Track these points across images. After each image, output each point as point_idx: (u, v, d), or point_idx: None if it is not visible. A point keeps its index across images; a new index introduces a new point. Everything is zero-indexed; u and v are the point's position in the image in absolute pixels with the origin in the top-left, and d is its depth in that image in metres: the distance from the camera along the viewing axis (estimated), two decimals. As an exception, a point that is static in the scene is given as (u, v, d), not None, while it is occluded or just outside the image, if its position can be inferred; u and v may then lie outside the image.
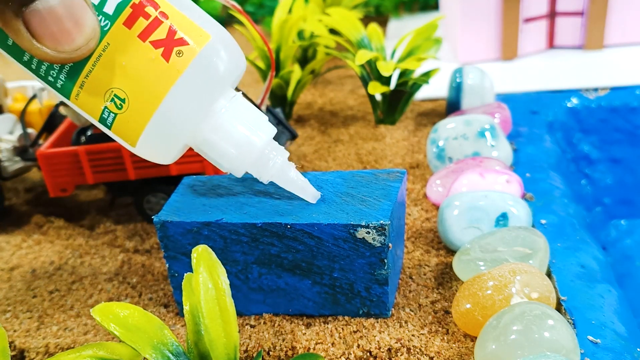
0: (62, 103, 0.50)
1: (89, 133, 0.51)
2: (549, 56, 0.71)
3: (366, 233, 0.34)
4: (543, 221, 0.44)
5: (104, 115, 0.30)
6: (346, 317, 0.37)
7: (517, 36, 0.70)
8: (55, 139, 0.51)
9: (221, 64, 0.30)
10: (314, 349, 0.35)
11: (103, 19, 0.29)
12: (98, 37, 0.28)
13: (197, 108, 0.31)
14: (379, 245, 0.34)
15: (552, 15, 0.71)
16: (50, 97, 0.62)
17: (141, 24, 0.29)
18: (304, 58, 0.73)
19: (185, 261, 0.37)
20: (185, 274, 0.29)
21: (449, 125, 0.51)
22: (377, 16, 0.95)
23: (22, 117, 0.55)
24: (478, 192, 0.43)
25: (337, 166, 0.56)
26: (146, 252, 0.47)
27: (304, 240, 0.35)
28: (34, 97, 0.59)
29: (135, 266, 0.45)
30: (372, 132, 0.62)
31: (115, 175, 0.48)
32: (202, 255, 0.29)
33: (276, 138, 0.52)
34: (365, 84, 0.61)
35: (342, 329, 0.36)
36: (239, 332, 0.37)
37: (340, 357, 0.34)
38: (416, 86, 0.61)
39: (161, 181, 0.49)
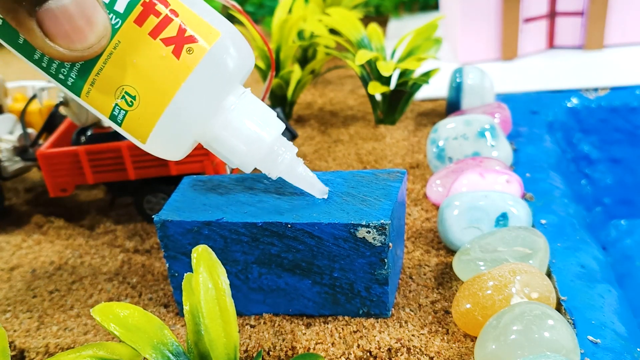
0: (62, 103, 0.50)
1: (89, 133, 0.51)
2: (549, 56, 0.71)
3: (366, 232, 0.34)
4: (543, 221, 0.44)
5: (114, 112, 0.30)
6: (346, 317, 0.37)
7: (517, 36, 0.70)
8: (55, 139, 0.51)
9: (231, 61, 0.31)
10: (314, 349, 0.35)
11: (114, 17, 0.29)
12: (109, 35, 0.29)
13: (207, 105, 0.31)
14: (379, 244, 0.34)
15: (552, 15, 0.71)
16: (50, 97, 0.62)
17: (152, 21, 0.29)
18: (304, 58, 0.73)
19: (185, 261, 0.37)
20: (185, 274, 0.29)
21: (449, 125, 0.51)
22: (377, 16, 0.95)
23: (22, 117, 0.55)
24: (478, 192, 0.43)
25: (337, 166, 0.56)
26: (146, 252, 0.47)
27: (304, 240, 0.35)
28: (34, 97, 0.59)
29: (135, 266, 0.45)
30: (372, 132, 0.62)
31: (115, 175, 0.48)
32: (202, 255, 0.29)
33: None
34: (365, 84, 0.61)
35: (342, 329, 0.36)
36: (239, 332, 0.37)
37: (340, 357, 0.34)
38: (416, 86, 0.61)
39: (161, 181, 0.49)
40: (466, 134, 0.50)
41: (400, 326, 0.36)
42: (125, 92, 0.30)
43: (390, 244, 0.34)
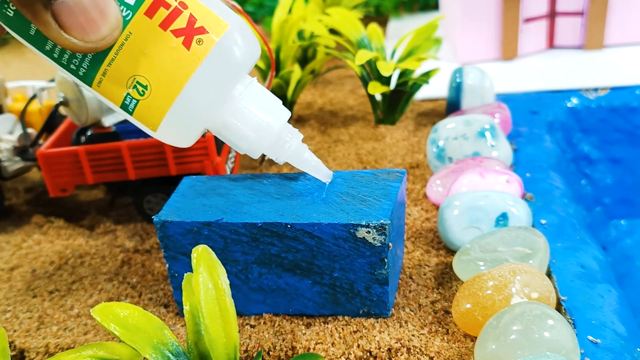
0: (62, 103, 0.50)
1: (89, 133, 0.51)
2: (549, 56, 0.71)
3: (366, 232, 0.34)
4: (543, 221, 0.44)
5: (126, 101, 0.31)
6: (346, 317, 0.37)
7: (517, 36, 0.70)
8: (55, 139, 0.51)
9: (239, 51, 0.32)
10: (314, 349, 0.35)
11: (125, 9, 0.30)
12: (121, 27, 0.30)
13: (217, 94, 0.32)
14: (379, 244, 0.34)
15: (552, 15, 0.71)
16: (50, 97, 0.62)
17: (162, 13, 0.30)
18: (304, 58, 0.73)
19: (185, 261, 0.37)
20: (185, 274, 0.29)
21: (449, 125, 0.51)
22: (377, 16, 0.95)
23: (22, 117, 0.55)
24: (478, 192, 0.43)
25: (337, 166, 0.56)
26: (146, 252, 0.47)
27: (304, 240, 0.35)
28: (34, 97, 0.59)
29: (135, 266, 0.45)
30: (372, 132, 0.62)
31: (115, 175, 0.48)
32: (202, 255, 0.29)
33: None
34: (365, 84, 0.61)
35: (342, 329, 0.36)
36: (239, 332, 0.37)
37: (340, 357, 0.34)
38: (416, 86, 0.61)
39: (161, 181, 0.49)
40: (466, 134, 0.50)
41: (400, 326, 0.36)
42: (137, 82, 0.31)
43: (390, 244, 0.34)
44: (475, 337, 0.35)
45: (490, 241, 0.39)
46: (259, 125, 0.33)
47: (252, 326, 0.37)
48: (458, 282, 0.40)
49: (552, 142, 0.57)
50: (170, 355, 0.28)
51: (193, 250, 0.29)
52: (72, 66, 0.31)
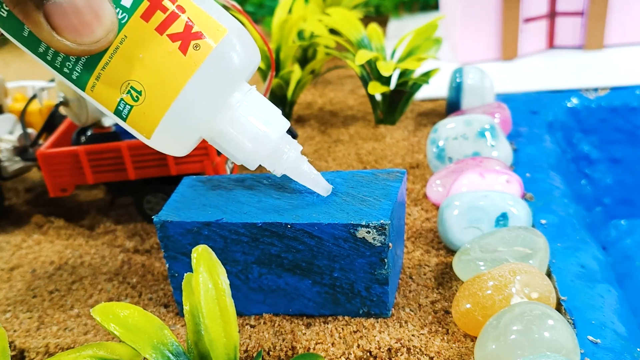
0: (62, 103, 0.50)
1: (89, 133, 0.51)
2: (549, 56, 0.71)
3: (366, 233, 0.34)
4: (543, 221, 0.44)
5: (119, 107, 0.30)
6: (346, 317, 0.37)
7: (517, 36, 0.70)
8: (55, 139, 0.51)
9: (237, 57, 0.31)
10: (314, 349, 0.35)
11: (121, 11, 0.29)
12: (116, 30, 0.29)
13: (213, 101, 0.31)
14: (379, 244, 0.34)
15: (552, 15, 0.71)
16: (50, 97, 0.62)
17: (158, 17, 0.29)
18: (304, 58, 0.73)
19: (185, 261, 0.37)
20: (185, 274, 0.29)
21: (449, 125, 0.51)
22: (377, 16, 0.95)
23: (22, 117, 0.55)
24: (478, 192, 0.43)
25: (337, 166, 0.56)
26: (146, 252, 0.47)
27: (304, 240, 0.35)
28: (34, 97, 0.59)
29: (135, 266, 0.45)
30: (372, 132, 0.62)
31: (115, 175, 0.48)
32: (202, 255, 0.29)
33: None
34: (365, 84, 0.61)
35: (342, 329, 0.36)
36: (239, 332, 0.37)
37: (340, 357, 0.34)
38: (416, 86, 0.61)
39: (161, 181, 0.49)
40: (466, 134, 0.50)
41: (400, 326, 0.36)
42: (131, 87, 0.30)
43: (390, 244, 0.34)
44: (475, 337, 0.35)
45: (490, 241, 0.39)
46: (256, 135, 0.32)
47: (252, 326, 0.37)
48: (458, 282, 0.40)
49: (552, 142, 0.57)
50: (170, 355, 0.28)
51: (193, 250, 0.29)
52: (65, 69, 0.30)
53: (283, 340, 0.36)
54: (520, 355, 0.30)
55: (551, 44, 0.73)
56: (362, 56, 0.57)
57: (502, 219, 0.41)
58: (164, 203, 0.44)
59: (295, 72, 0.63)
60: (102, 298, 0.42)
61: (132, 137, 0.49)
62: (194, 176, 0.40)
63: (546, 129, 0.60)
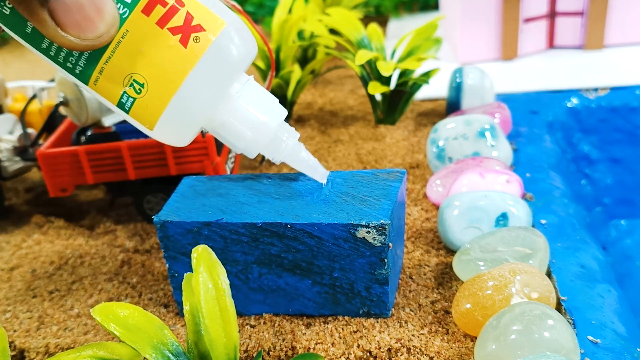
0: (62, 103, 0.50)
1: (89, 133, 0.51)
2: (549, 56, 0.71)
3: (366, 233, 0.34)
4: (543, 221, 0.44)
5: (122, 100, 0.31)
6: (346, 317, 0.37)
7: (517, 36, 0.70)
8: (55, 139, 0.51)
9: (235, 49, 0.32)
10: (314, 349, 0.35)
11: (122, 6, 0.30)
12: (118, 25, 0.30)
13: (214, 92, 0.32)
14: (379, 244, 0.34)
15: (552, 15, 0.71)
16: (50, 97, 0.62)
17: (159, 11, 0.30)
18: (304, 58, 0.73)
19: (185, 261, 0.37)
20: (185, 274, 0.29)
21: (449, 125, 0.51)
22: (377, 16, 0.95)
23: (22, 117, 0.55)
24: (478, 192, 0.43)
25: (337, 166, 0.56)
26: (146, 252, 0.47)
27: (304, 240, 0.35)
28: (34, 97, 0.59)
29: (135, 266, 0.45)
30: (372, 132, 0.62)
31: (115, 175, 0.48)
32: (202, 255, 0.29)
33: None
34: (365, 84, 0.61)
35: (342, 329, 0.36)
36: (239, 332, 0.37)
37: (340, 357, 0.34)
38: (416, 86, 0.61)
39: (161, 181, 0.49)
40: (466, 134, 0.50)
41: (400, 326, 0.36)
42: (134, 80, 0.31)
43: (390, 244, 0.34)
44: (475, 337, 0.35)
45: (490, 241, 0.39)
46: (256, 123, 0.33)
47: (252, 326, 0.37)
48: (458, 282, 0.40)
49: (552, 142, 0.57)
50: (170, 355, 0.28)
51: (193, 250, 0.29)
52: (68, 64, 0.30)
53: (283, 340, 0.36)
54: (520, 355, 0.30)
55: (551, 44, 0.73)
56: (362, 56, 0.57)
57: (502, 219, 0.41)
58: (164, 203, 0.44)
59: (295, 72, 0.63)
60: (102, 298, 0.42)
61: (132, 137, 0.50)
62: (194, 176, 0.40)
63: (546, 129, 0.60)
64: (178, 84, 0.30)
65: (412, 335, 0.35)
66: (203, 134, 0.46)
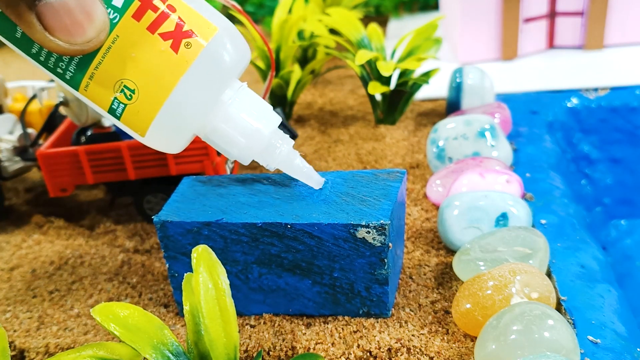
0: (62, 103, 0.50)
1: (89, 133, 0.51)
2: (549, 56, 0.71)
3: (366, 233, 0.34)
4: (543, 221, 0.44)
5: (113, 105, 0.31)
6: (346, 317, 0.37)
7: (517, 36, 0.70)
8: (55, 139, 0.51)
9: (228, 55, 0.31)
10: (314, 349, 0.35)
11: (112, 11, 0.29)
12: (108, 29, 0.29)
13: (206, 98, 0.31)
14: (379, 244, 0.34)
15: (552, 15, 0.71)
16: (50, 97, 0.62)
17: (150, 16, 0.30)
18: (304, 58, 0.73)
19: (185, 261, 0.37)
20: (185, 274, 0.29)
21: (449, 125, 0.51)
22: (377, 16, 0.95)
23: (22, 117, 0.55)
24: (478, 192, 0.43)
25: (337, 166, 0.56)
26: (146, 252, 0.47)
27: (304, 240, 0.35)
28: (34, 97, 0.59)
29: (135, 266, 0.45)
30: (372, 132, 0.62)
31: (115, 175, 0.48)
32: (202, 255, 0.29)
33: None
34: (365, 84, 0.61)
35: (342, 329, 0.36)
36: (239, 332, 0.37)
37: (340, 357, 0.34)
38: (416, 86, 0.61)
39: (161, 181, 0.49)
40: (466, 134, 0.50)
41: (400, 326, 0.36)
42: (124, 86, 0.30)
43: (390, 244, 0.34)
44: (475, 337, 0.35)
45: (490, 241, 0.39)
46: (249, 130, 0.33)
47: (252, 326, 0.37)
48: (458, 282, 0.40)
49: (552, 142, 0.57)
50: (170, 355, 0.28)
51: (193, 250, 0.29)
52: (58, 70, 0.30)
53: (283, 340, 0.36)
54: (520, 355, 0.30)
55: (551, 44, 0.73)
56: (362, 56, 0.57)
57: (502, 219, 0.41)
58: (164, 203, 0.44)
59: (295, 72, 0.63)
60: (102, 298, 0.42)
61: (132, 137, 0.50)
62: (194, 176, 0.40)
63: (546, 129, 0.60)
64: (169, 90, 0.30)
65: (412, 335, 0.35)
66: None
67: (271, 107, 0.34)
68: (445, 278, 0.40)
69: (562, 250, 0.41)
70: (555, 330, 0.30)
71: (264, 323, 0.37)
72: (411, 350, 0.34)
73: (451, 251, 0.43)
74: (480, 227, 0.41)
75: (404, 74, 0.60)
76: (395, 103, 0.61)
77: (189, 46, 0.30)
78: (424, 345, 0.34)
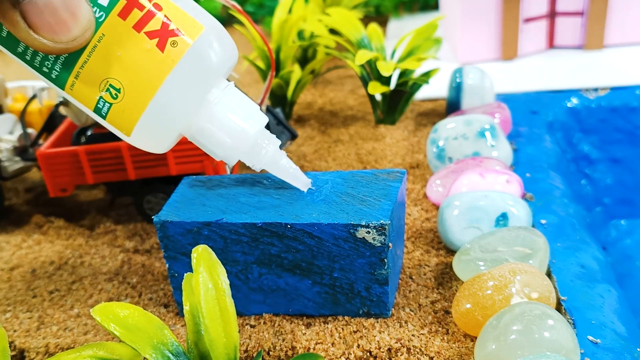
0: (62, 103, 0.50)
1: (89, 133, 0.51)
2: (549, 56, 0.71)
3: (366, 233, 0.34)
4: (543, 221, 0.44)
5: (99, 105, 0.31)
6: (346, 317, 0.37)
7: (517, 36, 0.70)
8: (55, 139, 0.51)
9: (214, 54, 0.31)
10: (314, 349, 0.35)
11: (98, 10, 0.29)
12: (93, 28, 0.29)
13: (192, 97, 0.31)
14: (379, 244, 0.34)
15: (552, 15, 0.71)
16: (50, 97, 0.62)
17: (135, 15, 0.29)
18: (304, 58, 0.73)
19: (185, 261, 0.37)
20: (185, 274, 0.29)
21: (449, 125, 0.51)
22: (377, 16, 0.95)
23: (22, 117, 0.55)
24: (478, 192, 0.43)
25: (337, 166, 0.56)
26: (146, 252, 0.47)
27: (304, 240, 0.35)
28: (34, 97, 0.59)
29: (135, 266, 0.45)
30: (372, 132, 0.62)
31: (115, 175, 0.48)
32: (202, 255, 0.29)
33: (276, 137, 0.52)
34: (365, 84, 0.61)
35: (342, 329, 0.36)
36: (239, 332, 0.37)
37: (340, 357, 0.34)
38: (416, 86, 0.61)
39: (161, 181, 0.49)
40: (466, 134, 0.50)
41: (400, 326, 0.36)
42: (110, 85, 0.30)
43: (390, 244, 0.34)
44: (475, 337, 0.35)
45: (490, 241, 0.39)
46: (235, 130, 0.32)
47: (252, 326, 0.37)
48: (458, 282, 0.40)
49: (552, 142, 0.57)
50: (170, 355, 0.28)
51: (193, 250, 0.29)
52: (44, 69, 0.30)
53: (283, 340, 0.36)
54: (520, 355, 0.30)
55: (551, 44, 0.73)
56: (362, 56, 0.57)
57: (502, 219, 0.41)
58: (164, 203, 0.44)
59: (295, 72, 0.63)
60: (102, 298, 0.42)
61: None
62: (194, 176, 0.40)
63: (546, 129, 0.60)
64: (155, 89, 0.30)
65: (412, 335, 0.35)
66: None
67: (258, 107, 0.34)
68: (445, 278, 0.40)
69: (562, 250, 0.41)
70: (555, 330, 0.30)
71: (264, 323, 0.37)
72: (411, 350, 0.34)
73: (451, 251, 0.43)
74: (480, 227, 0.41)
75: (404, 74, 0.60)
76: (395, 103, 0.61)
77: (175, 45, 0.30)
78: (424, 345, 0.34)
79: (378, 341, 0.35)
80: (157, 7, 0.30)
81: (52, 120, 0.55)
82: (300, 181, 0.36)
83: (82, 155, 0.48)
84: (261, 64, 0.63)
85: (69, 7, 0.28)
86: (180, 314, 0.40)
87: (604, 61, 0.68)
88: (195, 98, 0.31)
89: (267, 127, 0.45)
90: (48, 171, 0.49)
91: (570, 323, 0.35)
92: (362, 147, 0.59)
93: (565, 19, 0.71)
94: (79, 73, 0.30)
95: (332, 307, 0.37)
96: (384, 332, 0.35)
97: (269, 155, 0.34)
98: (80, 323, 0.40)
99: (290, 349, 0.35)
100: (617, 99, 0.65)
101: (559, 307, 0.36)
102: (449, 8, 0.78)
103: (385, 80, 0.60)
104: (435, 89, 0.67)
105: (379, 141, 0.60)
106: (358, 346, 0.34)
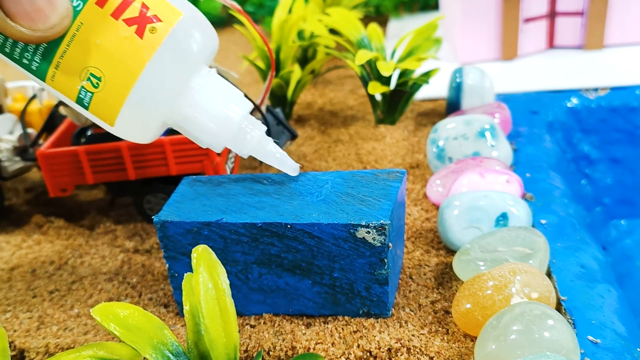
0: (62, 103, 0.50)
1: (89, 133, 0.51)
2: (549, 56, 0.71)
3: (366, 233, 0.34)
4: (543, 221, 0.44)
5: (80, 95, 0.30)
6: (346, 317, 0.37)
7: (517, 36, 0.70)
8: (55, 139, 0.51)
9: (194, 40, 0.31)
10: (314, 349, 0.35)
11: None
12: (71, 16, 0.29)
13: (173, 84, 0.31)
14: (379, 245, 0.34)
15: (552, 15, 0.71)
16: (50, 97, 0.62)
17: (113, 2, 0.29)
18: (304, 58, 0.73)
19: (185, 261, 0.37)
20: (185, 274, 0.29)
21: (449, 125, 0.51)
22: (377, 16, 0.95)
23: (22, 117, 0.55)
24: (478, 192, 0.43)
25: (337, 166, 0.56)
26: (146, 252, 0.47)
27: (304, 240, 0.35)
28: (34, 97, 0.59)
29: (135, 266, 0.45)
30: (372, 132, 0.62)
31: (115, 175, 0.48)
32: (202, 255, 0.29)
33: (276, 138, 0.52)
34: (365, 84, 0.61)
35: (342, 329, 0.36)
36: (239, 332, 0.37)
37: (340, 357, 0.34)
38: (416, 86, 0.61)
39: (161, 181, 0.49)
40: (466, 134, 0.50)
41: (400, 326, 0.36)
42: (91, 74, 0.30)
43: (390, 244, 0.34)
44: (475, 337, 0.35)
45: (490, 241, 0.39)
46: (219, 116, 0.32)
47: (252, 326, 0.37)
48: (458, 282, 0.40)
49: (552, 142, 0.57)
50: (170, 355, 0.28)
51: (193, 250, 0.29)
52: (24, 60, 0.30)
53: (283, 340, 0.36)
54: (520, 355, 0.30)
55: (551, 44, 0.73)
56: (362, 56, 0.57)
57: (502, 219, 0.41)
58: (164, 203, 0.44)
59: (295, 72, 0.63)
60: (102, 298, 0.42)
61: None
62: (194, 176, 0.40)
63: (546, 129, 0.60)
64: (136, 76, 0.30)
65: (412, 335, 0.35)
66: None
67: (242, 93, 0.33)
68: (445, 278, 0.40)
69: (562, 250, 0.41)
70: (555, 330, 0.30)
71: (264, 323, 0.37)
72: (411, 350, 0.34)
73: (451, 251, 0.43)
74: (480, 227, 0.41)
75: (404, 74, 0.60)
76: (395, 103, 0.61)
77: (154, 31, 0.30)
78: (424, 345, 0.34)
79: (378, 341, 0.35)
80: None
81: (52, 120, 0.55)
82: (288, 166, 0.36)
83: (82, 155, 0.48)
84: (261, 64, 0.63)
85: None
86: (180, 314, 0.40)
87: (604, 61, 0.68)
88: (177, 84, 0.31)
89: (267, 127, 0.45)
90: (48, 171, 0.49)
91: (570, 323, 0.35)
92: (362, 147, 0.59)
93: (565, 19, 0.71)
94: (59, 63, 0.30)
95: (332, 307, 0.37)
96: (384, 332, 0.35)
97: (254, 140, 0.34)
98: (80, 323, 0.40)
99: (290, 349, 0.35)
100: (617, 99, 0.65)
101: (559, 307, 0.36)
102: (449, 8, 0.78)
103: (385, 80, 0.60)
104: (435, 89, 0.67)
105: (379, 141, 0.60)
106: (358, 346, 0.34)
